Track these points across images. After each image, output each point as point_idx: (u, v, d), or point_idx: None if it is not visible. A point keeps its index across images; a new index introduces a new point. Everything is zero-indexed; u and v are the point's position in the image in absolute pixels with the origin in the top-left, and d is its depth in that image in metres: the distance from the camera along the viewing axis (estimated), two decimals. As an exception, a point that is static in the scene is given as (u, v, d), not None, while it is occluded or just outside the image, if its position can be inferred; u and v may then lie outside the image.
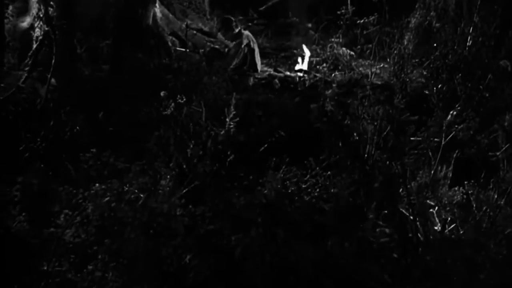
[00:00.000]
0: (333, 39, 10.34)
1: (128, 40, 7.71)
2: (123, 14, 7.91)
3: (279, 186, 4.36)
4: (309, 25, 11.66)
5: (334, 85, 8.33)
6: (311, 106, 5.29)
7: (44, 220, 4.37)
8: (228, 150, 4.82)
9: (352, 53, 9.71)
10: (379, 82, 8.73)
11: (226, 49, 9.77)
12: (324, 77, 8.87)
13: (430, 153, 4.72)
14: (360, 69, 9.66)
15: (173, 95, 6.44)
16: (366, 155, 5.11)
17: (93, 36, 9.95)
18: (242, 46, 8.56)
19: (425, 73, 5.27)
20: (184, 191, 4.35)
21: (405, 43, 5.32)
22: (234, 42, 8.86)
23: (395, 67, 5.16)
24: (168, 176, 4.40)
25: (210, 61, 8.44)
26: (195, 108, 5.63)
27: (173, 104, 4.96)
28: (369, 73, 8.98)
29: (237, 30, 8.74)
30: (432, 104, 5.12)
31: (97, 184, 4.32)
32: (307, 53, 9.12)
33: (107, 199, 4.03)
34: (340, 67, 9.45)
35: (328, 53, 9.59)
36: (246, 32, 8.80)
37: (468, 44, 5.34)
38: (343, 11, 4.94)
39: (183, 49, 9.72)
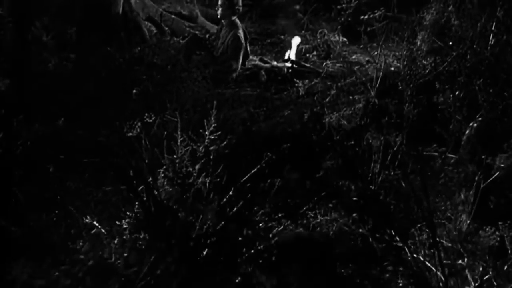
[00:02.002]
0: (323, 23, 9.55)
1: (94, 31, 6.82)
2: (88, 1, 7.00)
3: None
4: (297, 7, 10.80)
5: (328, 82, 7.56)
6: (304, 115, 4.48)
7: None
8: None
9: (344, 39, 8.92)
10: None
11: (207, 35, 8.91)
12: (315, 68, 8.09)
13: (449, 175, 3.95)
14: (354, 57, 8.89)
15: (144, 98, 5.63)
16: (370, 174, 4.34)
17: (61, 21, 9.07)
18: (241, 40, 7.66)
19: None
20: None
21: (418, 43, 4.51)
22: (221, 28, 7.96)
23: (405, 70, 4.35)
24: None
25: (189, 51, 7.57)
26: (169, 117, 4.81)
27: (139, 123, 4.11)
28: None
29: (233, 18, 7.84)
30: (447, 114, 4.34)
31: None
32: (296, 41, 8.28)
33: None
34: (332, 55, 8.67)
35: (319, 40, 8.77)
36: (239, 22, 7.92)
37: (490, 43, 4.56)
38: (344, 5, 4.09)
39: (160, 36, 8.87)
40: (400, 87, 4.43)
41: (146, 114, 4.10)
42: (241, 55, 7.72)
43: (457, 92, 4.30)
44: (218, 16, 8.03)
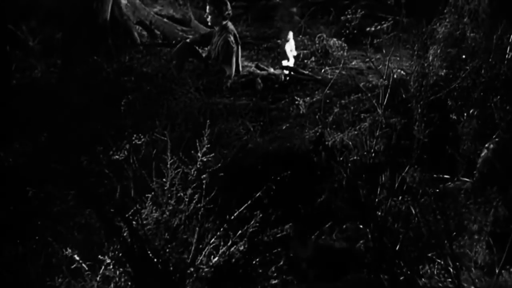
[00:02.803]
0: (322, 27, 9.18)
1: (81, 40, 6.43)
2: (75, 9, 6.61)
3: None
4: (294, 9, 10.40)
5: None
6: (306, 135, 4.12)
7: None
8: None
9: (344, 44, 8.55)
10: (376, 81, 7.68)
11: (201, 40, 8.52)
12: (314, 75, 7.73)
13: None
14: (354, 63, 8.53)
15: (133, 112, 5.26)
16: (377, 199, 3.98)
17: (50, 25, 8.69)
18: (231, 44, 7.28)
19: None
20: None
21: (430, 58, 4.14)
22: (217, 34, 7.57)
23: (415, 86, 3.99)
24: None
25: (181, 60, 7.19)
26: (158, 136, 4.44)
27: (127, 145, 3.74)
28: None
29: (224, 23, 7.45)
30: (461, 133, 3.98)
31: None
32: (292, 45, 7.91)
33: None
34: (330, 61, 8.30)
35: (317, 45, 8.39)
36: (232, 27, 7.54)
37: (507, 56, 4.19)
38: (348, 16, 3.73)
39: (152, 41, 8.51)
40: (409, 104, 4.07)
41: (135, 136, 3.70)
42: (234, 59, 7.33)
43: (471, 110, 3.94)
44: (209, 24, 7.66)
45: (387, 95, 3.92)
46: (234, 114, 5.97)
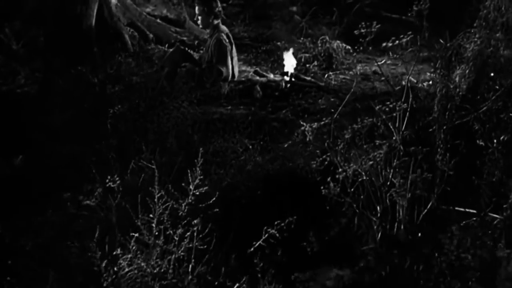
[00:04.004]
0: (324, 28, 8.68)
1: (63, 47, 5.89)
2: (57, 14, 6.06)
3: None
4: (294, 8, 9.88)
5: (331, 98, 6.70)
6: (317, 160, 3.61)
7: None
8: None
9: (348, 47, 8.04)
10: (384, 87, 7.17)
11: (196, 42, 8.01)
12: (317, 81, 7.22)
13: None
14: (359, 67, 8.02)
15: (117, 131, 4.75)
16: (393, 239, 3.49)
17: (35, 26, 8.13)
18: (224, 42, 6.76)
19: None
20: None
21: (457, 79, 3.62)
22: (208, 36, 7.05)
23: (439, 107, 3.48)
24: None
25: (174, 65, 6.67)
26: (144, 163, 3.93)
27: (100, 189, 3.22)
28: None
29: (216, 22, 6.92)
30: (489, 162, 3.48)
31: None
32: (291, 55, 7.41)
33: None
34: (334, 66, 7.79)
35: (320, 48, 7.88)
36: (224, 27, 7.00)
37: (543, 76, 3.68)
38: (362, 30, 3.21)
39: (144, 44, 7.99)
40: (431, 129, 3.56)
41: (109, 178, 3.18)
42: (229, 59, 6.80)
43: (501, 136, 3.43)
44: (200, 26, 7.14)
45: (406, 119, 3.41)
46: (231, 129, 5.45)
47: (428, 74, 7.44)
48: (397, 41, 3.27)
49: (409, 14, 3.37)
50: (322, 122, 3.63)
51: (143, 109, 5.10)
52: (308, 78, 7.22)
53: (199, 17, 6.93)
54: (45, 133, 4.85)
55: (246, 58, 8.26)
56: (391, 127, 3.55)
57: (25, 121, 5.12)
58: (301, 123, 3.58)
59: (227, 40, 6.78)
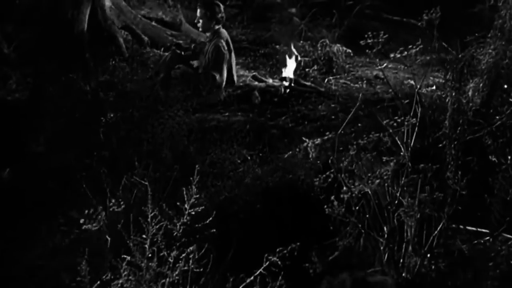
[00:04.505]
0: (324, 31, 8.46)
1: (55, 53, 5.66)
2: (49, 16, 5.82)
3: None
4: (293, 10, 9.65)
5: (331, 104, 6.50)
6: (320, 178, 3.40)
7: None
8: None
9: (348, 50, 7.83)
10: (386, 94, 6.96)
11: (193, 46, 7.77)
12: (317, 86, 7.01)
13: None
14: (359, 72, 7.82)
15: (109, 142, 4.54)
16: (402, 260, 3.29)
17: (28, 29, 7.88)
18: (222, 49, 6.56)
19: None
20: None
21: (470, 93, 3.40)
22: (208, 40, 6.84)
23: (450, 121, 3.27)
24: None
25: (169, 71, 6.46)
26: (137, 180, 3.72)
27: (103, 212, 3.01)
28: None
29: (216, 27, 6.72)
30: (503, 179, 3.27)
31: None
32: (293, 60, 7.19)
33: None
34: (335, 70, 7.59)
35: (320, 52, 7.67)
36: (224, 33, 6.79)
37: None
38: (369, 40, 2.99)
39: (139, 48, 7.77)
40: (440, 144, 3.35)
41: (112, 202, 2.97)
42: (225, 66, 6.59)
43: (519, 158, 3.23)
44: (200, 29, 6.91)
45: (415, 134, 3.21)
46: (229, 138, 5.24)
47: (432, 78, 7.25)
48: (405, 52, 3.03)
49: (419, 24, 3.16)
50: (326, 137, 3.41)
51: (136, 118, 4.89)
52: (308, 83, 7.02)
53: (200, 21, 6.72)
54: (35, 143, 4.63)
55: (244, 62, 8.04)
56: (399, 142, 3.34)
57: (15, 131, 4.89)
58: (304, 139, 3.36)
59: (226, 47, 6.58)
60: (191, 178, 3.42)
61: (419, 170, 3.30)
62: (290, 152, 4.99)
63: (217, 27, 6.72)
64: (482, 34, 3.65)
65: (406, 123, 3.17)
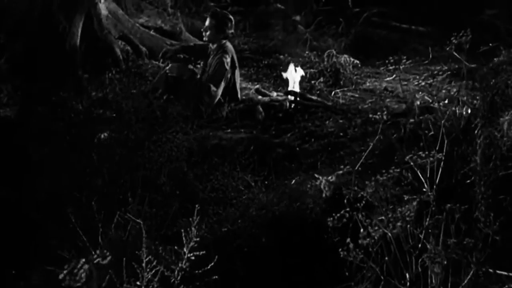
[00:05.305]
0: (329, 40, 8.13)
1: (45, 69, 5.30)
2: (37, 32, 5.46)
3: None
4: (297, 17, 9.31)
5: (339, 120, 6.14)
6: (329, 222, 3.04)
7: None
8: None
9: (356, 61, 7.48)
10: (397, 106, 6.62)
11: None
12: (323, 101, 6.67)
13: None
14: (367, 84, 7.48)
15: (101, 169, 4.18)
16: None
17: (20, 39, 7.52)
18: (225, 65, 6.23)
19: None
20: None
21: (505, 126, 2.99)
22: (213, 53, 6.49)
23: (481, 161, 2.91)
24: None
25: (168, 85, 6.11)
26: (131, 217, 3.36)
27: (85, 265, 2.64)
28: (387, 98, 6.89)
29: (223, 42, 6.40)
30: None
31: None
32: (300, 71, 6.84)
33: None
34: (342, 82, 7.24)
35: (326, 63, 7.32)
36: (231, 48, 6.45)
37: None
38: (390, 66, 2.61)
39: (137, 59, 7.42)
40: (469, 181, 3.00)
41: (97, 254, 2.61)
42: (223, 83, 6.25)
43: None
44: (205, 39, 6.55)
45: (440, 170, 2.85)
46: (232, 160, 4.89)
47: (444, 91, 6.90)
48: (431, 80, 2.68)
49: (448, 48, 2.80)
50: (341, 172, 3.06)
51: (132, 141, 4.53)
52: (314, 97, 6.67)
53: (208, 31, 6.39)
54: (20, 170, 4.27)
55: (246, 73, 7.70)
56: (422, 178, 2.99)
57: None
58: (316, 176, 3.01)
59: (231, 64, 6.25)
60: (190, 219, 3.08)
61: (446, 211, 2.94)
62: (298, 178, 4.65)
63: (223, 41, 6.39)
64: (495, 44, 3.29)
65: (431, 159, 2.81)
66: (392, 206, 3.01)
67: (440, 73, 7.40)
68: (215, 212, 4.29)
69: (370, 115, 6.15)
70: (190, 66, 6.33)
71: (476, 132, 3.04)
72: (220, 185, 4.50)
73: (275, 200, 4.36)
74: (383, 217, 2.99)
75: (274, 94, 6.80)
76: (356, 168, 2.95)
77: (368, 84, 7.37)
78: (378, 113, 6.41)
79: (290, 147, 5.76)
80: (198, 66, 6.93)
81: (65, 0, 5.69)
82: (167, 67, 6.26)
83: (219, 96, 6.29)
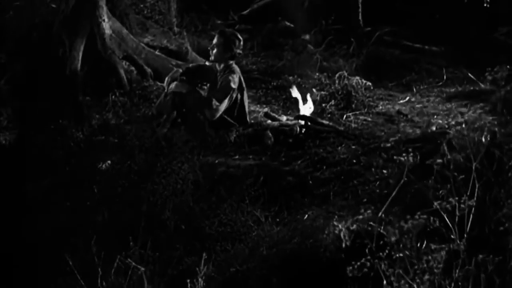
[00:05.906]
0: (340, 60, 7.88)
1: (45, 95, 5.07)
2: (38, 54, 5.23)
3: None
4: (307, 37, 9.07)
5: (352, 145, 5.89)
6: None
7: None
8: None
9: (368, 83, 7.21)
10: (411, 132, 6.35)
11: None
12: (335, 125, 6.40)
13: None
14: (380, 107, 7.22)
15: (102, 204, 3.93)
16: None
17: (22, 60, 7.29)
18: (232, 84, 5.99)
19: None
20: None
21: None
22: (219, 74, 6.24)
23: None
24: None
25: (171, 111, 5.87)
26: (133, 264, 3.11)
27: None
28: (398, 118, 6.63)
29: (230, 62, 6.16)
30: None
31: None
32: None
33: None
34: (354, 105, 6.98)
35: (337, 85, 7.07)
36: (237, 69, 6.21)
37: None
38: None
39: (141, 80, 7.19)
40: (502, 227, 2.73)
41: None
42: (227, 99, 5.99)
43: None
44: (211, 58, 6.30)
45: (471, 218, 2.58)
46: (240, 191, 4.63)
47: (460, 115, 6.64)
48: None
49: (482, 85, 2.54)
50: (361, 217, 2.79)
51: (135, 172, 4.29)
52: (326, 122, 6.40)
53: (215, 49, 6.15)
54: (17, 206, 4.02)
55: (255, 95, 7.45)
56: (451, 226, 2.72)
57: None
58: (334, 223, 2.73)
59: (238, 84, 6.01)
60: (197, 268, 2.83)
61: (477, 261, 2.67)
62: (311, 213, 4.38)
63: (230, 62, 6.16)
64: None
65: (462, 206, 2.55)
66: (418, 256, 2.74)
67: (455, 95, 7.17)
68: (223, 249, 4.04)
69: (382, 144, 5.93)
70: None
71: (509, 174, 2.78)
72: (228, 220, 4.25)
73: (287, 238, 4.11)
74: (409, 268, 2.73)
75: (284, 118, 6.53)
76: (380, 215, 2.68)
77: (380, 107, 7.10)
78: (391, 139, 6.12)
79: (301, 176, 5.49)
80: (204, 87, 6.66)
81: (65, 23, 5.47)
82: (171, 86, 5.98)
83: (221, 112, 6.02)
